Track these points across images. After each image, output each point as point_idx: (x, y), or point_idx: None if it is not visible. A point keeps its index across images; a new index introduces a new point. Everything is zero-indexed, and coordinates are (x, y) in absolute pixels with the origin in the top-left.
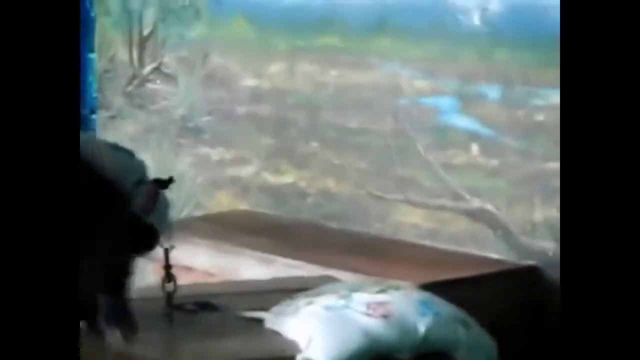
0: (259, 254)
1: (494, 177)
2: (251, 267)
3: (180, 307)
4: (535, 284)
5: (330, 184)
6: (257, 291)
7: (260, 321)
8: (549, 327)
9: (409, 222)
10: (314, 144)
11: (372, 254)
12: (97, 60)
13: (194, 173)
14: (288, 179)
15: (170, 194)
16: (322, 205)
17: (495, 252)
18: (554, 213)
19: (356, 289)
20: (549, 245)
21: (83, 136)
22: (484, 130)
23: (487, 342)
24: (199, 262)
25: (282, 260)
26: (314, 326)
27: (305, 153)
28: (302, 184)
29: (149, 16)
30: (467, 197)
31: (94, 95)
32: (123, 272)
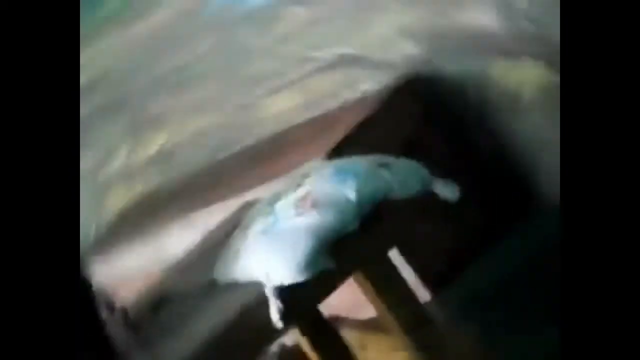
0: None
1: None
2: (176, 237)
3: None
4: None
5: None
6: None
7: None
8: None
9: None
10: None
11: (267, 158)
12: None
13: None
14: None
15: None
16: None
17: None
18: None
19: (275, 199)
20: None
21: None
22: None
23: (412, 166)
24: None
25: (200, 213)
26: (263, 256)
27: None
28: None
29: None
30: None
31: None
32: None
